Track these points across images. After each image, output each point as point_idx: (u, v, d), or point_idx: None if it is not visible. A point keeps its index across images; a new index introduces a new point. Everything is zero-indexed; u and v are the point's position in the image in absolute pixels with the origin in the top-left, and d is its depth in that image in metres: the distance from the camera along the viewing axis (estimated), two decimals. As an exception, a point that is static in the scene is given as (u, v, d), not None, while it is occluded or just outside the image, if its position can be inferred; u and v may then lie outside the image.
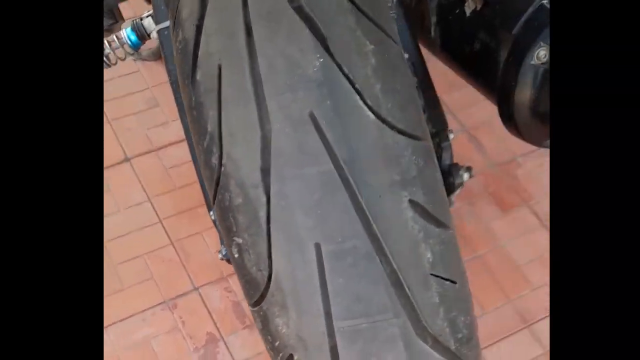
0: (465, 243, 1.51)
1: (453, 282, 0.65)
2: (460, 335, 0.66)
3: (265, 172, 0.61)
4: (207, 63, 0.64)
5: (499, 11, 0.88)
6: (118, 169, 1.58)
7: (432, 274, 0.63)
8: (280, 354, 0.66)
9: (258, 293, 0.64)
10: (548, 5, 0.82)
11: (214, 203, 0.66)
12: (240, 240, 0.64)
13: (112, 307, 1.37)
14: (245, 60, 0.61)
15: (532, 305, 1.43)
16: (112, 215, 1.50)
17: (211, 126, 0.63)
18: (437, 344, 0.64)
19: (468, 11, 0.94)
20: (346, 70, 0.61)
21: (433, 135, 0.99)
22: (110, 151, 1.60)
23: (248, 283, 0.65)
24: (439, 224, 0.64)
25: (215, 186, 0.65)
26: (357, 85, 0.61)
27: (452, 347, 0.65)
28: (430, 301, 0.63)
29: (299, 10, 0.62)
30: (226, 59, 0.62)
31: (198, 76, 0.65)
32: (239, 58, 0.62)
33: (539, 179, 1.63)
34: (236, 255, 0.65)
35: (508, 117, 0.88)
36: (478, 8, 0.93)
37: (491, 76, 0.90)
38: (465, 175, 0.97)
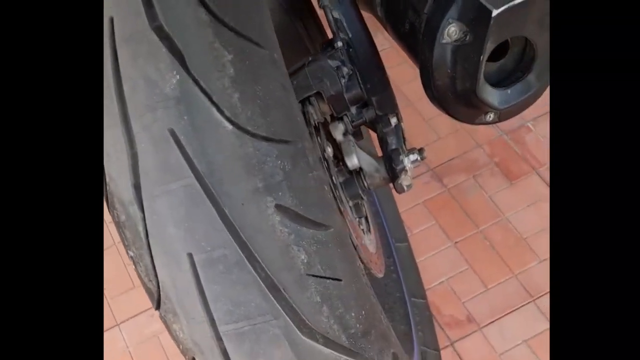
0: (467, 218, 1.49)
1: (337, 279, 0.66)
2: (353, 331, 0.67)
3: (137, 189, 0.64)
4: None
5: (415, -9, 0.86)
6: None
7: (308, 274, 0.64)
8: (186, 356, 0.70)
9: (154, 301, 0.69)
10: (456, -19, 0.79)
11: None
12: (132, 253, 0.68)
13: (125, 304, 1.47)
14: (111, 84, 0.65)
15: (538, 278, 1.39)
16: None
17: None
18: (328, 340, 0.66)
19: (400, -10, 0.93)
20: (202, 84, 0.63)
21: (377, 120, 0.99)
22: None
23: (147, 291, 0.70)
24: (314, 224, 0.65)
25: (107, 204, 0.69)
26: (213, 98, 0.63)
27: (345, 343, 0.67)
28: (310, 300, 0.65)
29: (159, 30, 0.64)
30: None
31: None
32: (108, 82, 0.65)
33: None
34: (134, 267, 0.69)
35: (432, 97, 0.87)
36: (406, -14, 0.91)
37: (417, 57, 0.89)
38: (407, 160, 0.97)
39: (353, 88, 0.95)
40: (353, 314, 0.68)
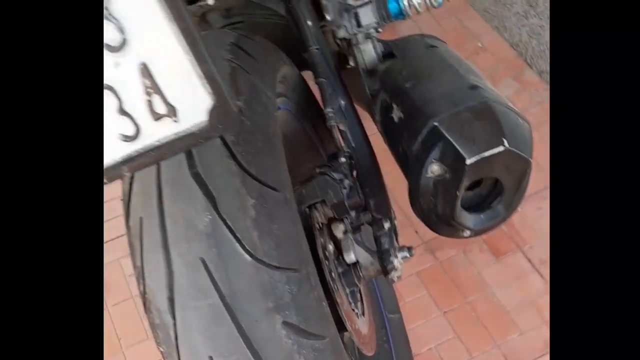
0: (457, 290, 1.65)
1: (329, 381, 0.83)
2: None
3: (171, 301, 0.82)
4: (134, 214, 0.86)
5: (407, 126, 1.03)
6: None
7: (306, 377, 0.82)
8: None
9: (181, 391, 0.86)
10: (440, 127, 0.96)
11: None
12: (162, 350, 0.86)
13: (138, 355, 1.64)
14: (156, 216, 0.83)
15: (520, 348, 1.55)
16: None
17: (138, 262, 0.86)
18: None
19: (395, 118, 1.10)
20: (229, 223, 0.81)
21: (373, 222, 1.16)
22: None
23: (173, 381, 0.87)
24: (313, 336, 0.82)
25: (144, 307, 0.87)
26: (237, 235, 0.81)
27: None
28: (307, 398, 0.82)
29: (196, 176, 0.83)
30: (145, 214, 0.84)
31: (130, 222, 0.87)
32: (153, 214, 0.83)
33: (535, 223, 1.74)
34: (163, 358, 0.87)
35: (418, 214, 1.04)
36: (402, 117, 1.09)
37: (407, 178, 1.06)
38: (396, 261, 1.14)
39: (353, 197, 1.12)
40: (340, 409, 0.85)
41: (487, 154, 0.92)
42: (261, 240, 0.81)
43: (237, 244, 0.81)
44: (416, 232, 1.73)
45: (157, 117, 0.63)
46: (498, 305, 1.62)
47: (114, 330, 1.69)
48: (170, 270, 0.82)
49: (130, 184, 0.87)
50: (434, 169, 0.97)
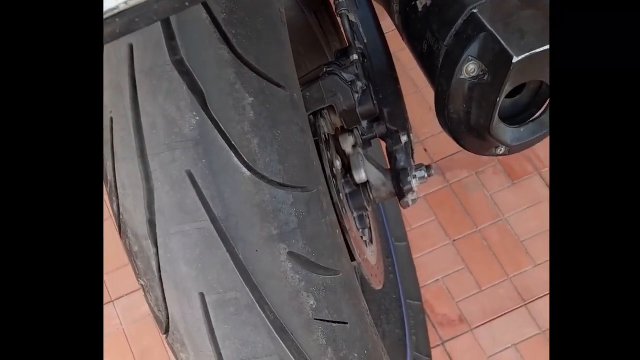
0: (467, 216, 1.52)
1: (343, 323, 0.70)
2: (354, 371, 0.72)
3: (152, 225, 0.67)
4: (104, 115, 0.69)
5: (437, 15, 0.86)
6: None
7: (316, 319, 0.68)
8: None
9: (163, 328, 0.72)
10: (480, 15, 0.80)
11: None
12: (142, 282, 0.71)
13: (119, 281, 1.51)
14: (130, 117, 0.66)
15: (532, 282, 1.44)
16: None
17: (109, 176, 0.70)
18: (329, 379, 0.70)
19: (420, 6, 0.93)
20: (222, 127, 0.64)
21: (387, 135, 1.01)
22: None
23: (155, 318, 0.73)
24: (324, 270, 0.68)
25: (119, 231, 0.71)
26: (233, 142, 0.65)
27: (346, 382, 0.71)
28: (316, 343, 0.68)
29: (180, 64, 0.65)
30: (115, 113, 0.68)
31: (98, 126, 0.70)
32: (126, 113, 0.67)
33: (555, 144, 1.60)
34: (144, 294, 0.72)
35: (444, 125, 0.89)
36: (428, 4, 0.91)
37: (433, 81, 0.90)
38: (415, 182, 0.99)
39: (366, 103, 0.96)
40: (356, 355, 0.72)
41: (538, 50, 0.76)
42: (262, 149, 0.66)
43: (232, 154, 0.65)
44: (425, 150, 1.58)
45: (126, -31, 0.46)
46: (511, 234, 1.50)
47: (87, 256, 1.54)
48: (150, 186, 0.66)
49: (95, 77, 0.70)
50: (471, 68, 0.81)
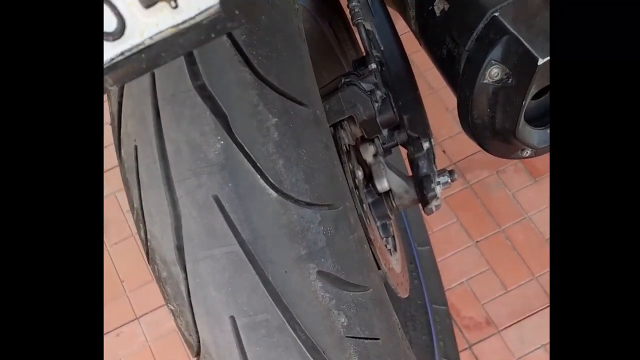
0: (490, 217, 1.52)
1: (375, 338, 0.69)
2: (388, 384, 0.71)
3: (180, 250, 0.67)
4: (127, 143, 0.69)
5: (457, 19, 0.86)
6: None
7: (348, 337, 0.67)
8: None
9: (194, 352, 0.72)
10: (501, 18, 0.79)
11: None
12: (172, 307, 0.71)
13: (142, 298, 1.51)
14: (154, 145, 0.66)
15: (559, 281, 1.43)
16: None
17: (136, 203, 0.70)
18: (364, 394, 0.70)
19: (437, 11, 0.92)
20: (247, 150, 0.64)
21: (409, 142, 1.01)
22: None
23: (186, 342, 0.73)
24: (354, 287, 0.68)
25: (147, 257, 0.72)
26: (258, 164, 0.64)
27: (381, 396, 0.71)
28: (348, 361, 0.68)
29: (202, 89, 0.65)
30: (140, 142, 0.68)
31: (122, 153, 0.70)
32: (150, 142, 0.67)
33: (576, 139, 1.58)
34: (174, 319, 0.73)
35: (468, 130, 0.88)
36: (445, 9, 0.91)
37: (454, 86, 0.89)
38: (438, 188, 0.99)
39: (386, 112, 0.96)
40: (389, 369, 0.71)
41: (564, 52, 0.75)
42: (287, 170, 0.65)
43: (258, 176, 0.65)
44: (444, 151, 1.57)
45: (149, 2, 0.46)
46: (535, 233, 1.49)
47: (116, 272, 1.55)
48: (177, 212, 0.66)
49: (119, 103, 0.70)
50: (494, 72, 0.80)
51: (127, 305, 1.49)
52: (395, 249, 1.11)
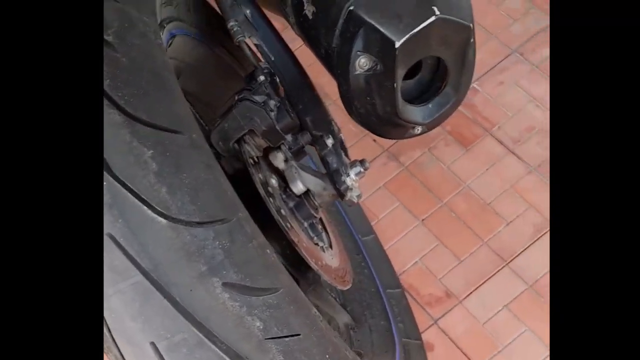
0: (430, 193, 1.58)
1: (295, 335, 0.75)
2: (320, 376, 0.76)
3: (93, 292, 0.72)
4: None
5: (323, 19, 0.91)
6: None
7: (267, 338, 0.73)
8: None
9: (131, 385, 0.77)
10: (356, 10, 0.85)
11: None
12: (105, 346, 0.76)
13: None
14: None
15: (508, 241, 1.50)
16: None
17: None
18: (298, 392, 0.75)
19: (309, 14, 0.98)
20: (129, 185, 0.69)
21: (314, 141, 1.06)
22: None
23: (124, 375, 0.78)
24: (263, 291, 0.73)
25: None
26: (142, 196, 0.70)
27: (314, 389, 0.76)
28: (273, 361, 0.73)
29: (77, 138, 0.71)
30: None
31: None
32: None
33: (499, 100, 1.66)
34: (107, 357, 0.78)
35: (357, 120, 0.94)
36: (314, 11, 0.96)
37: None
38: (349, 180, 1.04)
39: (283, 118, 1.01)
40: (317, 360, 0.76)
41: (417, 29, 0.81)
42: (172, 195, 0.71)
43: (145, 207, 0.70)
44: (374, 140, 1.63)
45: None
46: (477, 200, 1.56)
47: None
48: None
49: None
50: (362, 62, 0.86)
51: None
52: (330, 246, 1.16)
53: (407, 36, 0.81)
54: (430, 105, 0.91)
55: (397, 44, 0.81)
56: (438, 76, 0.92)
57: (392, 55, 0.82)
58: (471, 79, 0.95)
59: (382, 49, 0.83)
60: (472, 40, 0.88)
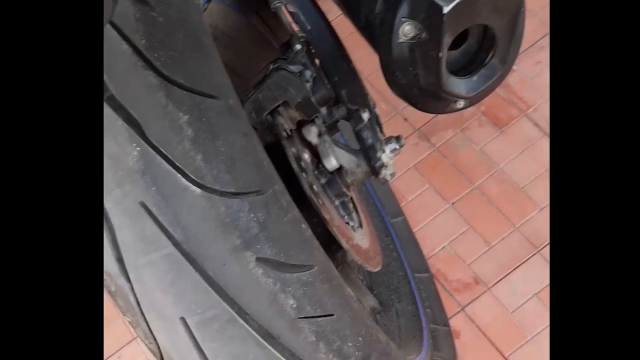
0: (461, 175, 1.54)
1: (329, 315, 0.72)
2: (352, 359, 0.73)
3: (121, 261, 0.69)
4: None
5: (366, -15, 0.88)
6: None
7: (300, 317, 0.70)
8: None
9: (157, 358, 0.75)
10: (403, -25, 0.81)
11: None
12: (129, 319, 0.74)
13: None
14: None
15: (540, 227, 1.45)
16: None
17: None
18: (329, 373, 0.72)
19: (351, -20, 0.94)
20: (164, 152, 0.66)
21: (349, 116, 1.03)
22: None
23: (150, 350, 0.76)
24: (297, 267, 0.70)
25: (94, 275, 0.74)
26: (177, 163, 0.67)
27: (348, 371, 0.73)
28: (306, 341, 0.70)
29: (112, 100, 0.67)
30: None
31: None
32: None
33: (536, 80, 1.61)
34: (134, 330, 0.75)
35: (397, 92, 0.90)
36: (357, -23, 0.93)
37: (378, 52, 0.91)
38: (384, 156, 1.01)
39: (319, 90, 0.98)
40: (350, 344, 0.73)
41: (467, -5, 0.77)
42: (207, 164, 0.68)
43: (179, 175, 0.67)
44: (405, 119, 1.59)
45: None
46: (510, 183, 1.51)
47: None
48: (110, 224, 0.68)
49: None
50: (406, 29, 0.82)
51: (123, 327, 1.51)
52: (360, 225, 1.13)
53: (455, 2, 0.77)
54: (475, 78, 0.87)
55: (446, 10, 0.77)
56: (484, 46, 0.88)
57: (439, 22, 0.78)
58: (518, 52, 0.91)
59: (429, 15, 0.79)
60: (523, 8, 0.84)
